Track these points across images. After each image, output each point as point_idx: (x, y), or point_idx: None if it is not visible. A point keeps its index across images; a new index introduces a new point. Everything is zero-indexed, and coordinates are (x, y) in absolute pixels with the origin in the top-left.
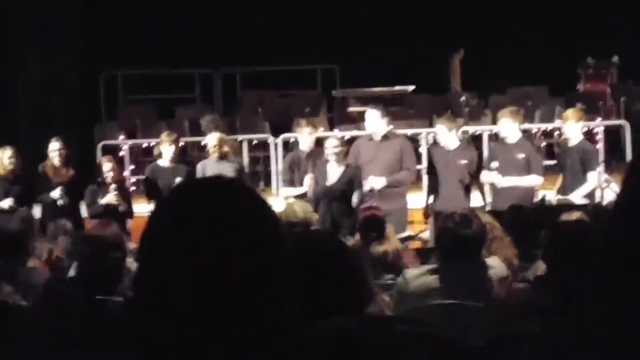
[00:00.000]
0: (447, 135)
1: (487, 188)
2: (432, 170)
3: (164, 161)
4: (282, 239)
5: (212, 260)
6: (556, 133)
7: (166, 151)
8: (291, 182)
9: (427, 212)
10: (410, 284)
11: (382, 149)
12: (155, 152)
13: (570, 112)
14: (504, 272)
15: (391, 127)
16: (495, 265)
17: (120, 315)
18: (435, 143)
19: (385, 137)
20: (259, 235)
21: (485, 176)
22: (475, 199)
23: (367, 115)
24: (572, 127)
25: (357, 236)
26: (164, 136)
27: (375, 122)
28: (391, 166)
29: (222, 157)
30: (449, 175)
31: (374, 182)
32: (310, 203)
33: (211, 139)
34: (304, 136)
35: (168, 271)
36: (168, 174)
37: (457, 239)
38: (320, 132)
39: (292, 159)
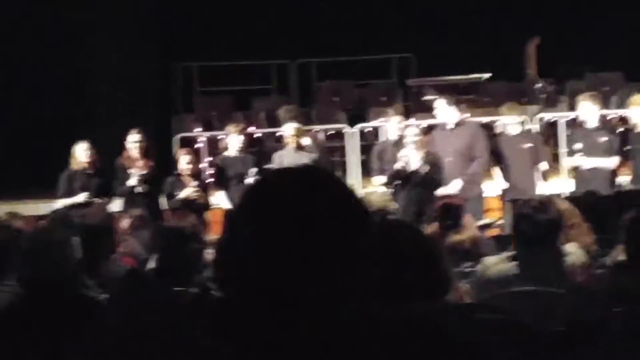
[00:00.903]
0: (510, 121)
1: (565, 174)
2: (500, 158)
3: (232, 151)
4: (366, 225)
5: (296, 241)
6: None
7: (233, 141)
8: (380, 171)
9: (502, 199)
10: (489, 271)
11: (454, 137)
12: (223, 143)
13: (636, 98)
14: (582, 259)
15: (466, 115)
16: (574, 251)
17: (196, 305)
18: (500, 132)
19: (457, 124)
20: (344, 220)
21: (569, 160)
22: (553, 185)
23: (435, 104)
24: (637, 113)
25: (434, 225)
26: (231, 127)
27: (443, 110)
28: (463, 154)
29: (300, 147)
30: (515, 161)
31: (451, 188)
32: (392, 191)
33: (288, 129)
34: (393, 125)
35: (254, 253)
36: (237, 164)
37: (534, 226)
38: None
39: (379, 148)
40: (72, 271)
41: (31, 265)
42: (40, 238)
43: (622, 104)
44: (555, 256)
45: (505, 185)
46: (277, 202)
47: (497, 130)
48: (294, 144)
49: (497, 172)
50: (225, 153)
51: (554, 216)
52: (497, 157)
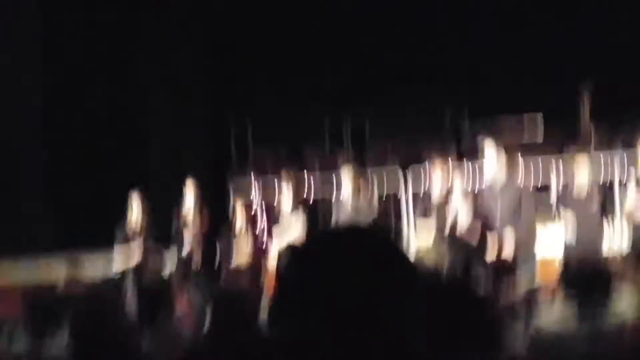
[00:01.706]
0: (587, 169)
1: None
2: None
3: (284, 202)
4: (416, 291)
5: (345, 307)
6: None
7: (286, 192)
8: (427, 218)
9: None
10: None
11: (503, 196)
12: (274, 194)
13: None
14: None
15: (516, 158)
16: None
17: None
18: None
19: (506, 183)
20: (394, 285)
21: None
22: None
23: (485, 147)
24: None
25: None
26: (283, 176)
27: (492, 162)
28: (511, 213)
29: (356, 193)
30: (582, 218)
31: (503, 248)
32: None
33: (349, 176)
34: (438, 173)
35: (304, 316)
36: (289, 217)
37: (584, 281)
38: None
39: (426, 195)
40: (125, 334)
41: (84, 328)
42: (94, 302)
43: None
44: (609, 311)
45: (568, 242)
46: (325, 267)
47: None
48: (353, 192)
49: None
50: (279, 203)
51: (605, 273)
52: (559, 212)
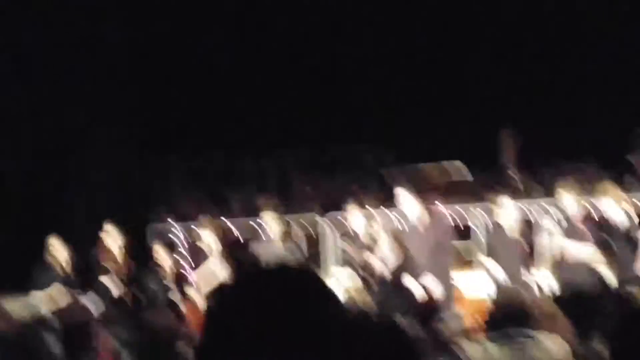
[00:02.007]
0: (511, 209)
1: (545, 265)
2: (489, 249)
3: (206, 245)
4: (349, 330)
5: (274, 346)
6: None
7: (206, 236)
8: (350, 263)
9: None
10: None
11: (421, 231)
12: (195, 236)
13: (607, 190)
14: (564, 352)
15: (435, 205)
16: (556, 344)
17: None
18: (491, 221)
19: (424, 218)
20: (326, 319)
21: (552, 247)
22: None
23: (401, 198)
24: (609, 204)
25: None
26: (204, 221)
27: (409, 203)
28: (430, 248)
29: (282, 238)
30: (510, 253)
31: (427, 285)
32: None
33: (271, 219)
34: (357, 217)
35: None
36: (211, 258)
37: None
38: (372, 212)
39: (347, 238)
40: None
41: None
42: (16, 338)
43: (596, 194)
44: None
45: (493, 278)
46: (251, 306)
47: (479, 219)
48: (276, 234)
49: (484, 261)
50: (200, 245)
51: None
52: (489, 251)
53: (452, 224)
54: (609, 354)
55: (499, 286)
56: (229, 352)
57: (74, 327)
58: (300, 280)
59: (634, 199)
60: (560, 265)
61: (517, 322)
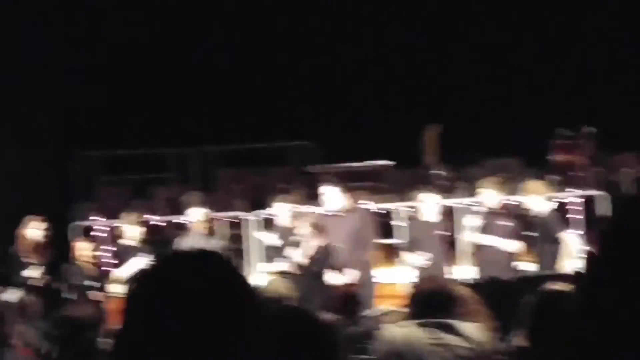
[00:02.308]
0: (433, 205)
1: (467, 259)
2: (412, 244)
3: (129, 241)
4: (260, 309)
5: (189, 330)
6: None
7: (129, 231)
8: (271, 258)
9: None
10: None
11: (344, 223)
12: (119, 232)
13: (531, 185)
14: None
15: (353, 200)
16: (479, 332)
17: None
18: (413, 217)
19: (349, 211)
20: (238, 308)
21: (471, 238)
22: (457, 271)
23: (322, 191)
24: (532, 200)
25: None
26: (125, 216)
27: (331, 196)
28: (352, 239)
29: (207, 233)
30: (433, 247)
31: (347, 277)
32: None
33: (197, 215)
34: (283, 212)
35: (148, 342)
36: (135, 253)
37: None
38: (297, 208)
39: (275, 234)
40: None
41: None
42: None
43: (519, 190)
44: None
45: (416, 270)
46: (170, 288)
47: (402, 216)
48: (201, 230)
49: (407, 256)
50: (122, 241)
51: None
52: (412, 242)
53: (376, 220)
54: (527, 342)
55: (422, 274)
56: (144, 334)
57: None
58: (212, 262)
59: (555, 197)
60: (481, 261)
61: (440, 308)
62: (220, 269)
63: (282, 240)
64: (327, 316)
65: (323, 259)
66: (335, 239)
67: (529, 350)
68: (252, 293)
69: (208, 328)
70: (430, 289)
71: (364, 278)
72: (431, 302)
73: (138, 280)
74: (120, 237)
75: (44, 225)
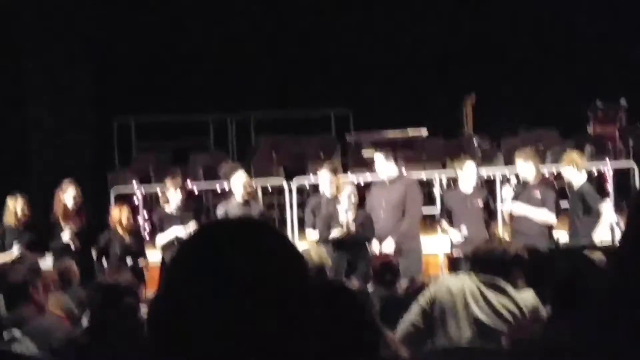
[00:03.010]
0: (474, 173)
1: (502, 229)
2: (449, 215)
3: (171, 207)
4: (307, 279)
5: (235, 299)
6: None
7: (172, 196)
8: (313, 226)
9: (451, 256)
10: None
11: (389, 192)
12: (162, 199)
13: (569, 156)
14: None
15: (402, 170)
16: (526, 298)
17: None
18: (449, 187)
19: (393, 180)
20: (286, 275)
21: (506, 209)
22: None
23: (375, 159)
24: (570, 171)
25: (371, 282)
26: (168, 182)
27: (381, 165)
28: (395, 208)
29: (246, 201)
30: (469, 218)
31: (385, 247)
32: (327, 247)
33: (238, 182)
34: (325, 181)
35: (192, 310)
36: (176, 220)
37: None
38: (336, 176)
39: (313, 203)
40: None
41: None
42: None
43: (556, 160)
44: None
45: (457, 240)
46: (212, 256)
47: (443, 185)
48: (239, 197)
49: (447, 227)
50: (166, 208)
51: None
52: (447, 213)
53: (419, 188)
54: (560, 312)
55: (462, 244)
56: (182, 303)
57: (19, 286)
58: (259, 232)
59: (593, 167)
60: (517, 231)
61: (497, 270)
62: (269, 237)
63: (322, 208)
64: (364, 286)
65: (363, 227)
66: (380, 207)
67: (561, 319)
68: (302, 263)
69: (253, 298)
70: (490, 250)
71: (407, 248)
72: (490, 262)
73: (182, 247)
74: (160, 203)
75: (79, 190)
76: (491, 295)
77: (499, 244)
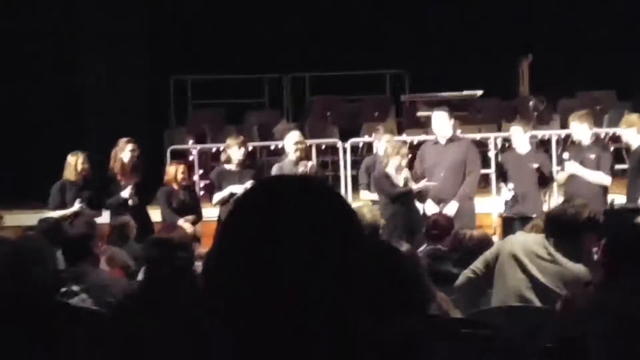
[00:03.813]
0: (522, 138)
1: (555, 194)
2: (504, 175)
3: (232, 165)
4: (362, 238)
5: (288, 253)
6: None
7: (234, 154)
8: (367, 186)
9: (504, 216)
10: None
11: (447, 152)
12: (223, 156)
13: (628, 117)
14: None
15: (458, 130)
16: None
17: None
18: (505, 148)
19: (451, 140)
20: (341, 233)
21: (561, 174)
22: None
23: (434, 117)
24: (629, 133)
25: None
26: (231, 140)
27: (442, 124)
28: (456, 169)
29: (300, 160)
30: (523, 179)
31: (448, 210)
32: (381, 207)
33: (291, 141)
34: (382, 142)
35: (247, 264)
36: (235, 178)
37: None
38: (392, 136)
39: (368, 162)
40: (52, 281)
41: (9, 274)
42: (20, 248)
43: (614, 123)
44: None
45: (509, 201)
46: (269, 212)
47: (497, 146)
48: (294, 156)
49: (501, 188)
50: (225, 166)
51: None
52: (502, 174)
53: (477, 150)
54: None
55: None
56: (236, 257)
57: (77, 240)
58: (316, 189)
59: None
60: (572, 193)
61: (568, 231)
62: (324, 195)
63: (376, 168)
64: (416, 247)
65: (421, 190)
66: (439, 167)
67: (612, 283)
68: (356, 222)
69: (308, 256)
70: (562, 211)
71: (462, 208)
72: (562, 223)
73: (238, 202)
74: (220, 161)
75: (137, 147)
76: (556, 259)
77: (573, 207)
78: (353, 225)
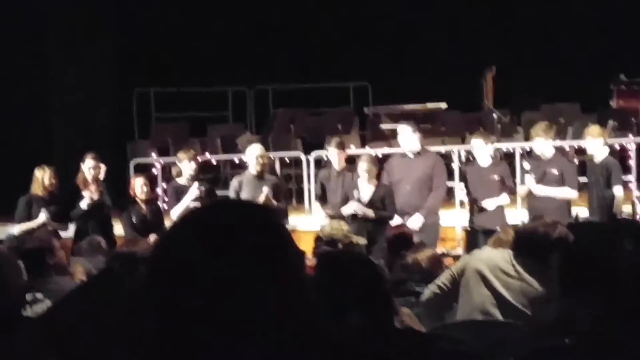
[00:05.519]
0: (483, 151)
1: (519, 205)
2: (466, 188)
3: (183, 179)
4: (290, 260)
5: (220, 268)
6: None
7: (185, 169)
8: (322, 199)
9: (468, 229)
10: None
11: (414, 166)
12: (174, 171)
13: (591, 129)
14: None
15: (424, 144)
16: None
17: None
18: (467, 161)
19: (418, 154)
20: (268, 255)
21: (522, 187)
22: (511, 216)
23: (399, 131)
24: (595, 144)
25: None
26: (182, 154)
27: (408, 137)
28: (422, 183)
29: (260, 173)
30: (484, 191)
31: (413, 223)
32: (347, 221)
33: (252, 154)
34: (334, 154)
35: (175, 290)
36: (187, 191)
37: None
38: (352, 150)
39: (323, 175)
40: (18, 294)
41: None
42: None
43: (578, 135)
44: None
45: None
46: (208, 233)
47: (461, 159)
48: (256, 169)
49: (462, 200)
50: (178, 180)
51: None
52: (465, 186)
53: (444, 164)
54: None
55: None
56: (174, 277)
57: (41, 252)
58: (259, 213)
59: (615, 143)
60: (534, 207)
61: (536, 250)
62: (264, 220)
63: (332, 181)
64: (381, 260)
65: (381, 201)
66: (405, 181)
67: (570, 298)
68: (295, 251)
69: (241, 277)
70: (532, 230)
71: (427, 221)
72: (532, 242)
73: (179, 222)
74: (175, 174)
75: (99, 161)
76: (522, 276)
77: (544, 226)
78: (292, 256)
